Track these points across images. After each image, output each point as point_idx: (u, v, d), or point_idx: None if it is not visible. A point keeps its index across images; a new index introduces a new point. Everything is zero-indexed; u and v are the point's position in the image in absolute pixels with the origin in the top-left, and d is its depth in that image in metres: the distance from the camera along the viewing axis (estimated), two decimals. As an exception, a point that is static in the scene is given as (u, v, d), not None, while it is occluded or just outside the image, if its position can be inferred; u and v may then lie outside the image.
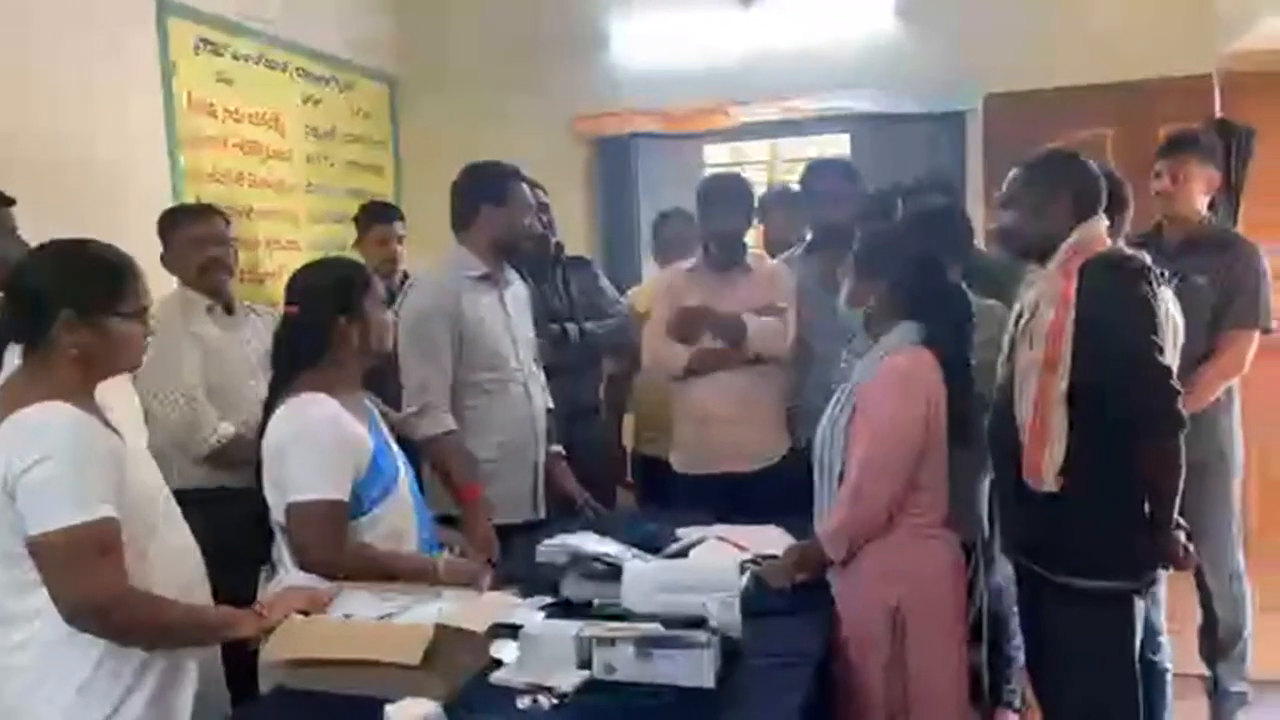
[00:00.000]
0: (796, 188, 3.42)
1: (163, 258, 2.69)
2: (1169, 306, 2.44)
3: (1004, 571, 2.65)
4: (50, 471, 1.50)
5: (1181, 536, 2.07)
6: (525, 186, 2.76)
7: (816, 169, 3.23)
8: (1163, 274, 2.16)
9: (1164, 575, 2.28)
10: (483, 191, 2.69)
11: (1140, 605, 2.09)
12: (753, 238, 3.31)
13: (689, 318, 2.87)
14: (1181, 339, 2.50)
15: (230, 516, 2.07)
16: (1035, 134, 3.39)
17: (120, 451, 1.64)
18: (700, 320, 2.86)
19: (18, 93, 2.70)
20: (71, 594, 1.52)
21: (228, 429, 2.54)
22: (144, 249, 2.65)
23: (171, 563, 1.69)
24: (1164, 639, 2.78)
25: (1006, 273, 2.72)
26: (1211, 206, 2.97)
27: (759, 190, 3.40)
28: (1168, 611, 2.89)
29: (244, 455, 2.40)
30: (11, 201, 2.29)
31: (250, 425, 2.47)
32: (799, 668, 1.80)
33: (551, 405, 2.88)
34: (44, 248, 1.67)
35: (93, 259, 1.65)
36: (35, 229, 2.19)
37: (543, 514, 2.77)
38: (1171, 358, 2.40)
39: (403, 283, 3.16)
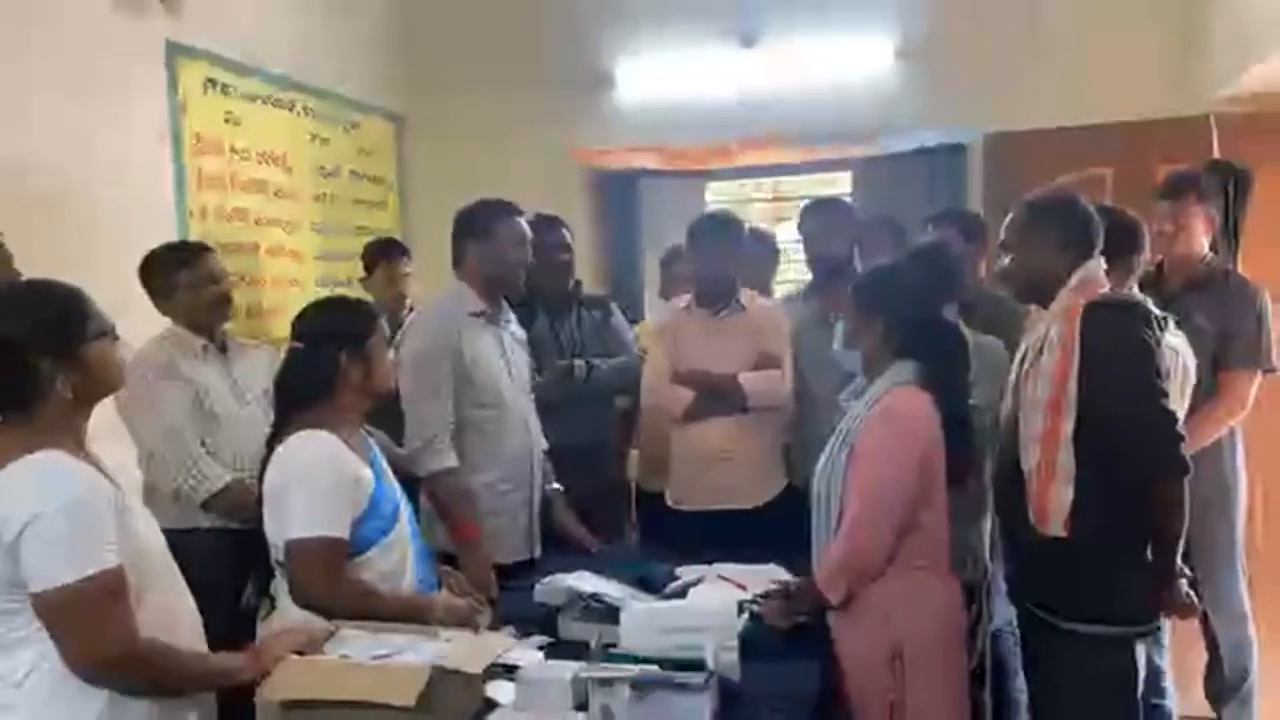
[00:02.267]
0: (761, 228, 3.47)
1: (157, 300, 2.64)
2: (1180, 351, 2.45)
3: (1005, 613, 2.63)
4: (52, 526, 1.47)
5: (1185, 585, 2.06)
6: (517, 222, 2.74)
7: (813, 209, 3.25)
8: (1165, 319, 2.16)
9: (1167, 620, 2.26)
10: (469, 228, 2.72)
11: (1141, 649, 2.07)
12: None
13: (688, 383, 2.88)
14: (1192, 382, 2.50)
15: (228, 556, 2.08)
16: (1035, 173, 3.43)
17: (119, 501, 1.61)
18: (699, 384, 2.87)
19: (27, 131, 2.73)
20: (85, 647, 1.50)
21: (223, 476, 2.50)
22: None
23: (169, 620, 1.66)
24: (1168, 682, 2.75)
25: (1006, 311, 2.73)
26: (1212, 248, 2.99)
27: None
28: (1174, 653, 2.87)
29: (241, 500, 2.40)
30: None
31: (246, 465, 2.47)
32: (797, 710, 1.79)
33: (547, 446, 2.88)
34: None
35: (45, 298, 1.61)
36: (43, 266, 2.21)
37: (538, 553, 2.76)
38: (1182, 402, 2.40)
39: (409, 318, 3.18)
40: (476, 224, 2.72)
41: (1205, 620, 2.86)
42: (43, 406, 1.56)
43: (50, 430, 1.56)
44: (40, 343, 1.55)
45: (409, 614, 1.95)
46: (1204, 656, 2.95)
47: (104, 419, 1.72)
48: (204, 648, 1.76)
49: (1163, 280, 2.92)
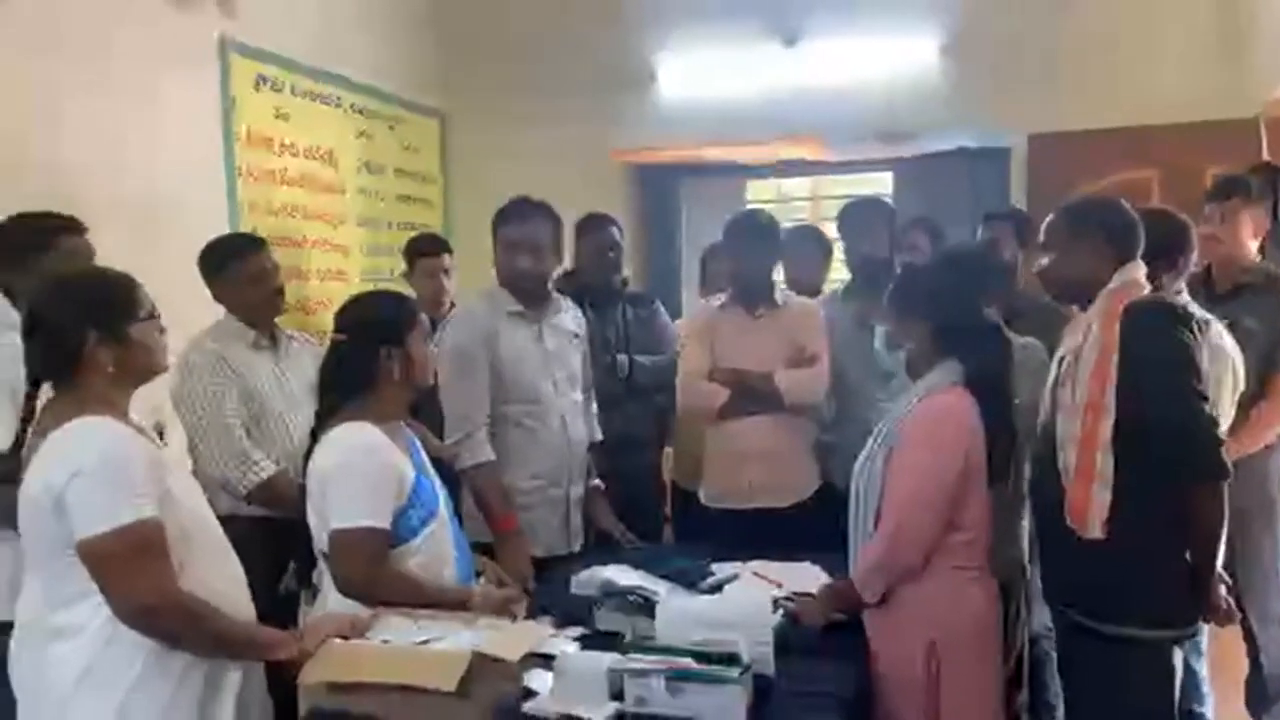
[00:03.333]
0: (814, 226, 3.46)
1: (213, 289, 2.68)
2: (1231, 354, 2.42)
3: (1043, 617, 2.61)
4: (93, 478, 1.58)
5: (1223, 590, 2.04)
6: (514, 227, 2.71)
7: (853, 209, 3.24)
8: (1206, 321, 2.14)
9: (1205, 626, 2.24)
10: (491, 230, 2.77)
11: (1179, 654, 2.05)
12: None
13: (724, 381, 2.89)
14: (1242, 386, 2.47)
15: (268, 545, 2.12)
16: (1079, 175, 3.41)
17: (162, 461, 1.72)
18: (735, 383, 2.88)
19: (86, 127, 2.81)
20: (122, 593, 1.59)
21: (269, 467, 2.53)
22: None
23: (213, 582, 1.74)
24: (1207, 689, 2.72)
25: (1055, 317, 2.71)
26: (1261, 250, 2.94)
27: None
28: (1216, 661, 2.83)
29: (285, 491, 2.44)
30: (84, 229, 2.34)
31: (290, 455, 2.51)
32: (831, 706, 1.79)
33: (600, 438, 2.91)
34: (48, 287, 1.75)
35: (96, 281, 1.76)
36: (103, 257, 2.28)
37: (577, 547, 2.79)
38: (1230, 405, 2.38)
39: (450, 314, 3.22)
40: (492, 227, 2.76)
41: (1247, 627, 2.82)
42: (88, 379, 1.68)
43: (94, 401, 1.67)
44: (88, 320, 1.67)
45: (448, 602, 1.99)
46: (1245, 665, 2.90)
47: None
48: (252, 618, 1.83)
49: (1211, 283, 2.89)
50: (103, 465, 1.59)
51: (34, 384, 1.73)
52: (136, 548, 1.59)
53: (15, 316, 2.19)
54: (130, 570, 1.58)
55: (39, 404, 1.75)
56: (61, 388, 1.71)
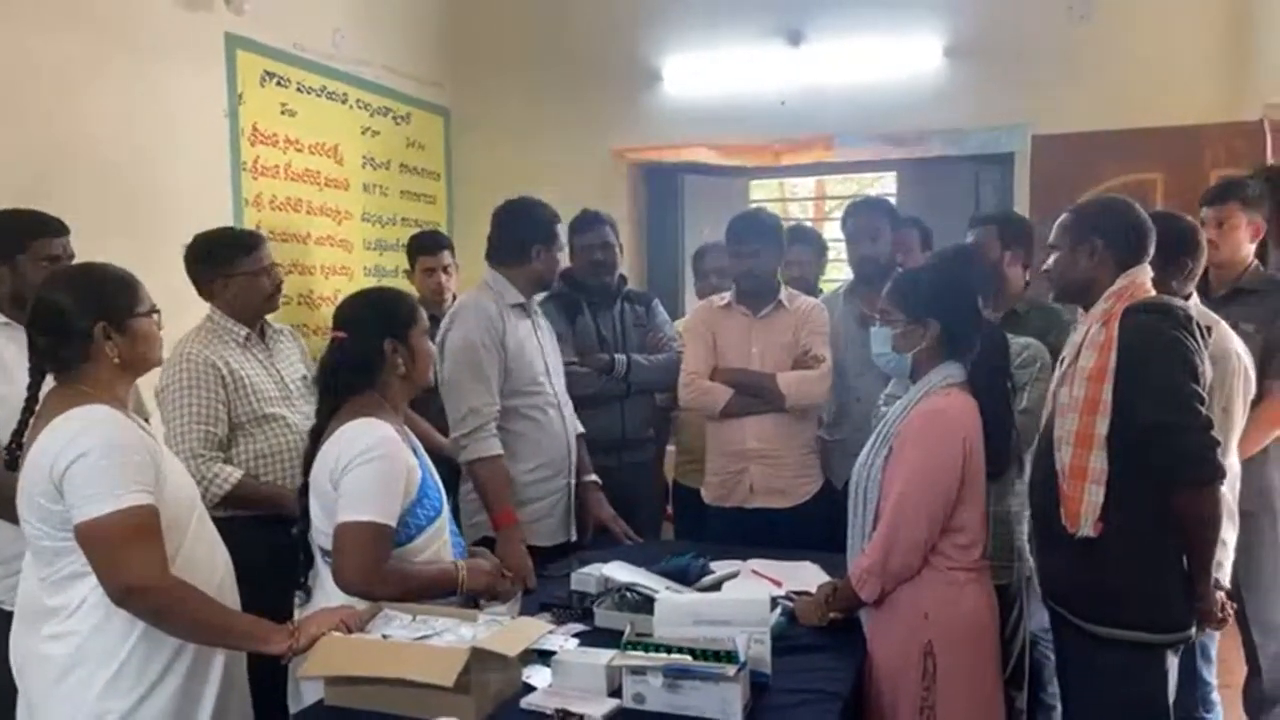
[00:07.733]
0: (809, 226, 3.46)
1: (204, 286, 2.55)
2: (1242, 355, 2.43)
3: (1042, 619, 2.62)
4: (93, 464, 1.63)
5: (1220, 596, 2.04)
6: (591, 232, 2.85)
7: (857, 209, 3.25)
8: (1208, 327, 2.14)
9: (1214, 633, 2.23)
10: (535, 233, 2.77)
11: (1173, 659, 2.05)
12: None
13: (727, 380, 2.90)
14: (1253, 390, 2.47)
15: (255, 543, 2.10)
16: (1082, 176, 3.42)
17: (155, 450, 1.77)
18: (738, 382, 2.90)
19: (90, 120, 2.83)
20: (115, 573, 1.64)
21: (230, 478, 2.42)
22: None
23: (202, 569, 1.78)
24: (1215, 697, 2.72)
25: (1058, 321, 2.71)
26: (1261, 255, 2.94)
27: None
28: (1217, 665, 2.83)
29: (255, 493, 2.44)
30: (65, 231, 2.31)
31: (289, 449, 2.50)
32: (827, 704, 1.80)
33: (581, 430, 2.92)
34: (54, 280, 1.84)
35: (103, 275, 1.81)
36: (107, 250, 2.29)
37: (574, 536, 2.81)
38: (1243, 408, 2.38)
39: (452, 311, 3.23)
40: (544, 230, 2.78)
41: (1246, 631, 2.82)
42: (91, 369, 1.75)
43: (97, 391, 1.73)
44: (92, 312, 1.74)
45: (437, 580, 1.99)
46: (1244, 668, 2.91)
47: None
48: (238, 604, 1.87)
49: (1208, 286, 2.89)
50: (104, 451, 1.64)
51: (38, 375, 1.78)
52: (132, 531, 1.64)
53: None
54: (125, 551, 1.64)
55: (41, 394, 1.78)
56: (65, 378, 1.76)
